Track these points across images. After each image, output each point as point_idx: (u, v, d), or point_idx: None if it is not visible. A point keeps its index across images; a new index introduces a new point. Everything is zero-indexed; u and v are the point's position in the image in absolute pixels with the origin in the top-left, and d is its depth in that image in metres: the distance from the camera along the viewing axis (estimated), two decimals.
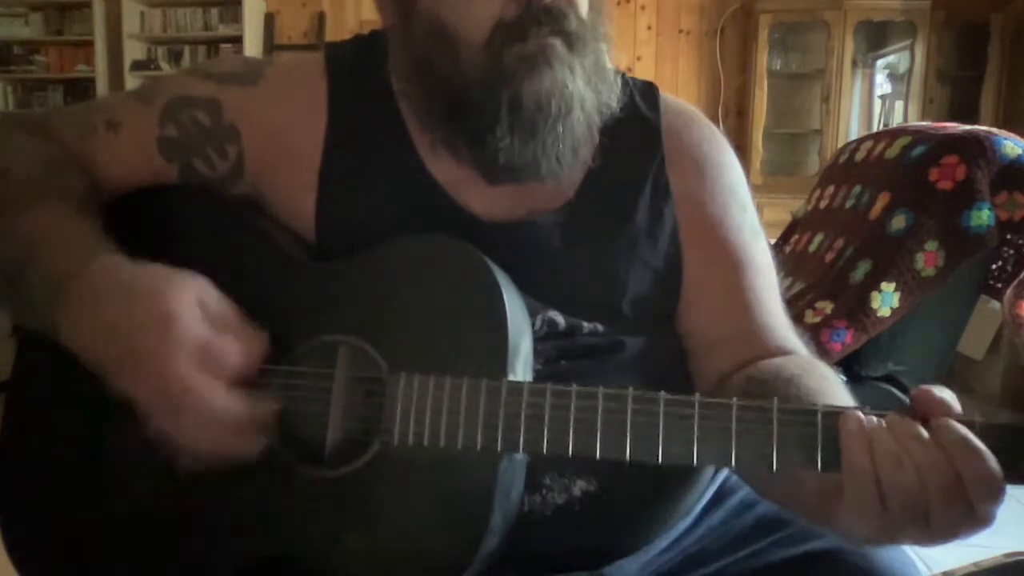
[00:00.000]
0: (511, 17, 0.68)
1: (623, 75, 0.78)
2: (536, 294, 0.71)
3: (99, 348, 0.61)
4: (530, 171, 0.72)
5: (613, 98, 0.75)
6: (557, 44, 0.69)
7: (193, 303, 0.61)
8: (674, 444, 0.57)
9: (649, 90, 0.82)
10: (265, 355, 0.64)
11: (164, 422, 0.60)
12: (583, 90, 0.71)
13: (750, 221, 0.80)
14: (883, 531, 0.54)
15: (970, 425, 0.53)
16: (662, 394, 0.58)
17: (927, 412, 0.54)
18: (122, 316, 0.60)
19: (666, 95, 0.83)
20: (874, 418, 0.54)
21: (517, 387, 0.61)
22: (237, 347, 0.61)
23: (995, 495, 0.51)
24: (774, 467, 0.56)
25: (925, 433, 0.53)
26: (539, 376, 0.68)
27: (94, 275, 0.63)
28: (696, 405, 0.57)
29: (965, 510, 0.52)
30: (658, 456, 0.57)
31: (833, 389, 0.65)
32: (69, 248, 0.65)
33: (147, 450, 0.66)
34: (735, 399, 0.57)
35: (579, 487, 0.69)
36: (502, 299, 0.64)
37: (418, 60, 0.72)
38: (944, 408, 0.54)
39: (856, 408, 0.56)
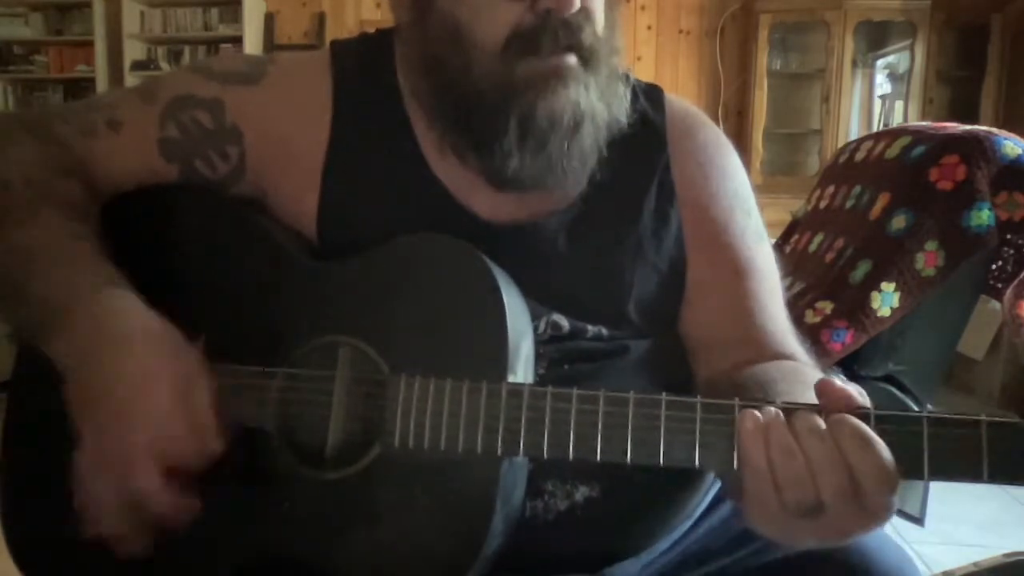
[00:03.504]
0: (528, 27, 0.67)
1: (628, 77, 0.78)
2: (540, 297, 0.70)
3: (83, 398, 0.60)
4: (536, 182, 0.72)
5: (622, 112, 0.74)
6: (573, 62, 0.68)
7: (179, 382, 0.60)
8: (676, 448, 0.57)
9: (654, 93, 0.82)
10: (217, 460, 0.61)
11: (89, 474, 0.59)
12: (595, 104, 0.70)
13: (754, 226, 0.80)
14: (782, 528, 0.54)
15: (865, 417, 0.53)
16: (664, 396, 0.58)
17: (828, 405, 0.54)
18: (108, 376, 0.59)
19: (671, 97, 0.82)
20: (772, 411, 0.55)
21: (517, 390, 0.61)
22: (195, 451, 0.60)
23: (887, 486, 0.51)
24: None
25: (823, 426, 0.53)
26: (542, 380, 0.68)
27: (91, 315, 0.61)
28: (698, 408, 0.57)
29: (858, 503, 0.52)
30: (659, 459, 0.57)
31: (804, 393, 0.65)
32: (65, 274, 0.64)
33: None
34: (737, 400, 0.57)
35: (581, 493, 0.69)
36: (501, 299, 0.64)
37: (430, 59, 0.71)
38: (845, 400, 0.54)
39: (762, 402, 0.56)
